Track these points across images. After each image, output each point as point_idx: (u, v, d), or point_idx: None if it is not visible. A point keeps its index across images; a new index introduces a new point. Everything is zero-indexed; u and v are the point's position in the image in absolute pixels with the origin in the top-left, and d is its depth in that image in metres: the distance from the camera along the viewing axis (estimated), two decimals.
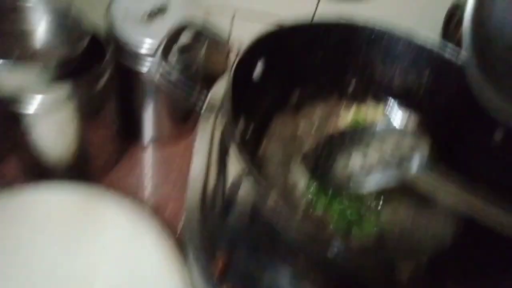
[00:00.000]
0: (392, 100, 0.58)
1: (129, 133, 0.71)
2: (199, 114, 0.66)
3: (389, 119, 0.58)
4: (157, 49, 0.38)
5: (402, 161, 0.45)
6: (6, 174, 0.63)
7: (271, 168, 0.52)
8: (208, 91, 0.38)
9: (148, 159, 0.71)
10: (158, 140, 0.72)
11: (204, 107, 0.38)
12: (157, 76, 0.37)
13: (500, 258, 0.39)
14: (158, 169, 0.70)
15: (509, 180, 0.46)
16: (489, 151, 0.49)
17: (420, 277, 0.41)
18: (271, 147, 0.53)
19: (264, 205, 0.34)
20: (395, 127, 0.57)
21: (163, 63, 0.37)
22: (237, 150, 0.35)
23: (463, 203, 0.40)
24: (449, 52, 0.52)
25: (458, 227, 0.46)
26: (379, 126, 0.54)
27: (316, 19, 0.53)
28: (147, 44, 0.55)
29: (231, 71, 0.40)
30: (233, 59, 0.41)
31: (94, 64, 0.52)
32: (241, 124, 0.42)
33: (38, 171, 0.60)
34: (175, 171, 0.70)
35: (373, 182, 0.45)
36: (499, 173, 0.48)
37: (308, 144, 0.50)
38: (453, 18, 0.61)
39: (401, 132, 0.52)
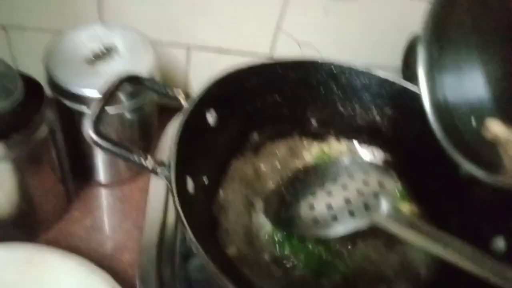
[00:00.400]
0: (354, 138, 0.57)
1: (81, 174, 0.67)
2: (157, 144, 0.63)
3: (355, 153, 0.56)
4: (91, 107, 0.34)
5: (370, 203, 0.43)
6: None
7: (233, 213, 0.49)
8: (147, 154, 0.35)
9: (104, 200, 0.66)
10: (114, 177, 0.67)
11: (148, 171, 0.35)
12: (90, 141, 0.33)
13: None
14: (114, 210, 0.65)
15: (479, 213, 0.45)
16: (457, 185, 0.48)
17: None
18: (232, 191, 0.50)
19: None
20: (361, 159, 0.56)
21: (94, 127, 0.33)
22: (182, 223, 0.31)
23: (433, 248, 0.38)
24: (410, 85, 0.51)
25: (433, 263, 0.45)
26: (345, 160, 0.52)
27: (274, 56, 0.51)
28: (90, 85, 0.51)
29: (176, 132, 0.37)
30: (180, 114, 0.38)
31: (35, 110, 0.47)
32: (189, 182, 0.39)
33: None
34: (134, 210, 0.65)
35: (340, 227, 0.42)
36: (469, 206, 0.47)
37: (270, 184, 0.48)
38: (413, 49, 0.61)
39: (367, 165, 0.50)
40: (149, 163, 0.35)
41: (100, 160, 0.64)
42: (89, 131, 0.33)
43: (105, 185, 0.68)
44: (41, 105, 0.48)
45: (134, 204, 0.66)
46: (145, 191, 0.68)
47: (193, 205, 0.38)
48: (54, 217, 0.61)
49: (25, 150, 0.47)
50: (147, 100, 0.58)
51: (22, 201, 0.52)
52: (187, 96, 0.42)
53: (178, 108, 0.39)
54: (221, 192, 0.48)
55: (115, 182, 0.68)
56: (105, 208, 0.65)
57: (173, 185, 0.33)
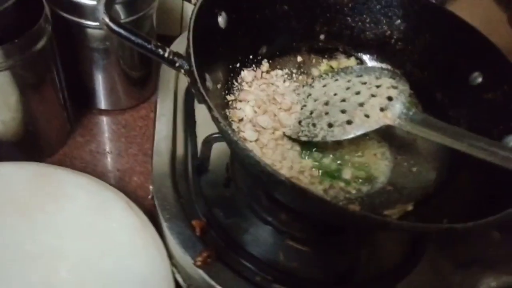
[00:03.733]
0: (364, 54, 0.56)
1: (82, 99, 0.65)
2: (158, 73, 0.61)
3: (363, 63, 0.56)
4: None
5: (384, 105, 0.43)
6: None
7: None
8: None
9: (107, 126, 0.65)
10: (116, 105, 0.66)
11: (166, 62, 0.34)
12: (104, 26, 0.32)
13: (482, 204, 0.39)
14: (118, 136, 0.64)
15: (488, 116, 0.46)
16: (468, 95, 0.49)
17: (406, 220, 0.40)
18: (243, 103, 0.49)
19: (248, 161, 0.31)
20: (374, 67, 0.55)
21: (106, 10, 0.31)
22: (208, 106, 0.31)
23: (448, 142, 0.39)
24: None
25: (440, 175, 0.46)
26: (356, 67, 0.52)
27: None
28: None
29: (190, 21, 0.35)
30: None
31: (31, 25, 0.45)
32: (208, 81, 0.38)
33: None
34: (138, 136, 0.65)
35: (355, 129, 0.43)
36: (478, 111, 0.47)
37: (283, 98, 0.47)
38: None
39: (379, 70, 0.50)
40: (167, 53, 0.34)
41: (100, 85, 0.62)
42: (101, 14, 0.31)
43: (106, 113, 0.66)
44: (40, 16, 0.46)
45: (138, 130, 0.65)
46: (147, 118, 0.67)
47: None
48: (57, 142, 0.59)
49: (23, 60, 0.45)
50: (145, 17, 0.56)
51: (26, 119, 0.51)
52: None
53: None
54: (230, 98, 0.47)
55: (117, 110, 0.67)
56: (109, 134, 0.64)
57: (195, 74, 0.32)
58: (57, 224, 0.45)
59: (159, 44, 0.34)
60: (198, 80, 0.32)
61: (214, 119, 0.31)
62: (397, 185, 0.46)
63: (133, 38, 0.33)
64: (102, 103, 0.65)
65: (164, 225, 0.44)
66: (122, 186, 0.58)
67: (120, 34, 0.33)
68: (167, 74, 0.60)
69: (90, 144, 0.62)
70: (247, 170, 0.42)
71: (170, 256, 0.46)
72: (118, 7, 0.53)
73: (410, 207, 0.42)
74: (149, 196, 0.52)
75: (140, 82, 0.66)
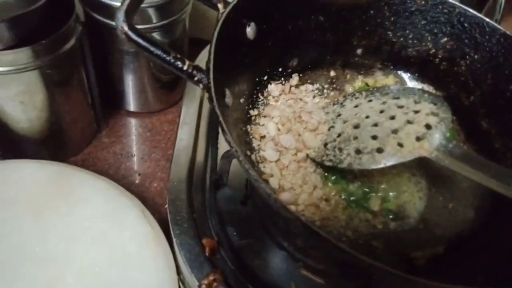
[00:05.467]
0: (404, 72, 0.52)
1: (111, 100, 0.65)
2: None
3: (402, 82, 0.51)
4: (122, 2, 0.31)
5: (421, 133, 0.39)
6: None
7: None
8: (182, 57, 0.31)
9: (133, 129, 0.65)
10: (144, 107, 0.66)
11: (185, 76, 0.32)
12: (122, 35, 0.30)
13: None
14: (143, 139, 0.64)
15: None
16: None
17: (436, 266, 0.36)
18: (267, 119, 0.47)
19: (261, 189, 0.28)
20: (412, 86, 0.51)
21: (126, 19, 0.30)
22: (220, 125, 0.29)
23: (489, 183, 0.35)
24: (472, 10, 0.45)
25: (479, 214, 0.41)
26: (393, 87, 0.47)
27: None
28: None
29: (214, 32, 0.33)
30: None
31: (62, 23, 0.45)
32: (228, 97, 0.36)
33: (7, 144, 0.54)
34: (163, 141, 0.64)
35: (386, 159, 0.39)
36: None
37: (310, 116, 0.44)
38: None
39: (419, 93, 0.45)
40: (186, 66, 0.32)
41: (130, 87, 0.62)
42: (120, 22, 0.30)
43: (134, 115, 0.66)
44: (70, 17, 0.46)
45: (163, 134, 0.64)
46: (174, 123, 0.66)
47: (229, 119, 0.36)
48: (83, 141, 0.60)
49: (51, 60, 0.45)
50: (177, 21, 0.55)
51: (52, 118, 0.51)
52: (226, 4, 0.38)
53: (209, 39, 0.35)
54: (259, 116, 0.44)
55: (144, 113, 0.66)
56: (134, 137, 0.64)
57: (212, 91, 0.30)
58: (69, 227, 0.45)
59: (178, 56, 0.32)
60: (214, 99, 0.29)
61: (227, 142, 0.29)
62: (430, 222, 0.42)
63: (152, 49, 0.31)
64: (131, 105, 0.65)
65: (174, 241, 0.42)
66: (141, 191, 0.57)
67: (138, 44, 0.31)
68: None
69: (115, 146, 0.62)
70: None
71: (179, 271, 0.44)
72: (150, 11, 0.52)
73: (441, 250, 0.38)
74: (166, 206, 0.51)
75: (169, 86, 0.65)
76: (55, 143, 0.55)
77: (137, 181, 0.58)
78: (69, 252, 0.44)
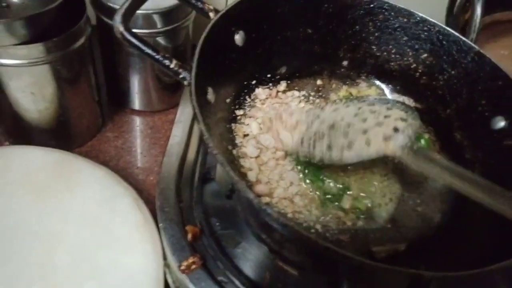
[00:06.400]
0: (386, 84, 0.55)
1: (117, 98, 0.70)
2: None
3: (384, 93, 0.55)
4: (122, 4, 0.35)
5: (388, 134, 0.42)
6: None
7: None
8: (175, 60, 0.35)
9: (136, 126, 0.69)
10: (147, 107, 0.70)
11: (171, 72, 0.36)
12: (118, 35, 0.35)
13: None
14: (144, 136, 0.68)
15: (504, 163, 0.44)
16: (487, 139, 0.46)
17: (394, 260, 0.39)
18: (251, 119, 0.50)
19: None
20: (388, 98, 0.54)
21: (123, 21, 0.34)
22: (195, 115, 0.32)
23: (450, 181, 0.37)
24: (451, 30, 0.48)
25: (444, 218, 0.44)
26: (370, 97, 0.51)
27: None
28: None
29: (202, 36, 0.37)
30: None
31: (74, 24, 0.50)
32: (210, 94, 0.40)
33: (18, 131, 0.59)
34: (162, 139, 0.68)
35: (354, 153, 0.42)
36: (495, 157, 0.45)
37: (290, 116, 0.47)
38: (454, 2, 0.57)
39: (391, 102, 0.48)
40: (173, 65, 0.36)
41: (135, 87, 0.67)
42: (117, 23, 0.34)
43: (137, 113, 0.70)
44: (81, 17, 0.51)
45: (163, 133, 0.69)
46: (174, 123, 0.70)
47: (212, 116, 0.39)
48: (88, 134, 0.64)
49: (65, 52, 0.49)
50: (181, 27, 0.59)
51: (60, 110, 0.56)
52: (217, 13, 0.42)
53: None
54: (245, 119, 0.48)
55: (147, 112, 0.71)
56: (136, 133, 0.68)
57: (193, 87, 0.34)
58: (65, 209, 0.49)
59: (167, 55, 0.37)
60: (193, 93, 0.33)
61: (201, 131, 0.33)
62: (398, 223, 0.44)
63: (143, 47, 0.36)
64: (135, 104, 0.70)
65: (160, 226, 0.46)
66: (138, 183, 0.61)
67: (131, 43, 0.35)
68: None
69: (117, 140, 0.66)
70: None
71: (165, 256, 0.47)
72: (155, 17, 0.57)
73: (402, 247, 0.40)
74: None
75: (171, 88, 0.69)
76: (61, 134, 0.60)
77: (134, 174, 0.62)
78: (63, 232, 0.47)
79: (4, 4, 0.46)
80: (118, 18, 0.35)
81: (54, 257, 0.45)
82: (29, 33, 0.47)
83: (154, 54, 0.36)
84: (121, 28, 0.35)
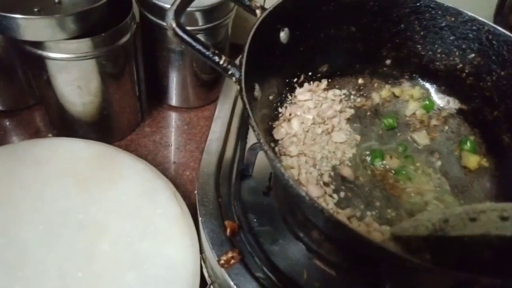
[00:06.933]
0: (430, 84, 0.54)
1: (156, 94, 0.71)
2: (225, 78, 0.65)
3: (427, 98, 0.53)
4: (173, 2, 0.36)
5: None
6: (32, 123, 0.65)
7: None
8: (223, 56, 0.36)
9: (173, 122, 0.71)
10: (184, 103, 0.71)
11: (220, 69, 0.36)
12: (170, 31, 0.35)
13: None
14: (181, 131, 0.69)
15: None
16: None
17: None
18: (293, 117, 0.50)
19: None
20: None
21: (175, 17, 0.35)
22: (246, 112, 0.33)
23: None
24: (501, 29, 0.47)
25: None
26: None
27: None
28: None
29: (250, 33, 0.38)
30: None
31: (120, 21, 0.51)
32: (257, 90, 0.40)
33: (62, 123, 0.61)
34: (198, 134, 0.69)
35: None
36: None
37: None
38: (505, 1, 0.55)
39: None
40: (222, 61, 0.36)
41: (173, 83, 0.68)
42: (170, 20, 0.35)
43: (175, 109, 0.72)
44: (127, 15, 0.52)
45: (199, 129, 0.70)
46: (210, 119, 0.70)
47: (258, 112, 0.40)
48: (127, 128, 0.66)
49: (111, 48, 0.51)
50: (220, 25, 0.60)
51: (103, 104, 0.57)
52: (264, 10, 0.42)
53: None
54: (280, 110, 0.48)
55: (184, 108, 0.72)
56: (173, 128, 0.69)
57: (242, 83, 0.34)
58: (108, 200, 0.50)
59: (216, 52, 0.37)
60: (243, 89, 0.34)
61: (251, 126, 0.33)
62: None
63: (194, 43, 0.36)
64: (173, 100, 0.71)
65: (199, 220, 0.47)
66: (175, 177, 0.62)
67: (183, 39, 0.36)
68: (231, 80, 0.63)
69: (155, 135, 0.68)
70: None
71: (201, 250, 0.48)
72: (197, 14, 0.58)
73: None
74: (195, 191, 0.55)
75: (208, 85, 0.70)
76: (103, 127, 0.62)
77: (171, 168, 0.64)
78: (107, 222, 0.49)
79: (56, 1, 0.48)
80: (170, 14, 0.35)
81: (97, 246, 0.46)
82: (78, 28, 0.48)
83: (204, 50, 0.36)
84: (174, 24, 0.35)
